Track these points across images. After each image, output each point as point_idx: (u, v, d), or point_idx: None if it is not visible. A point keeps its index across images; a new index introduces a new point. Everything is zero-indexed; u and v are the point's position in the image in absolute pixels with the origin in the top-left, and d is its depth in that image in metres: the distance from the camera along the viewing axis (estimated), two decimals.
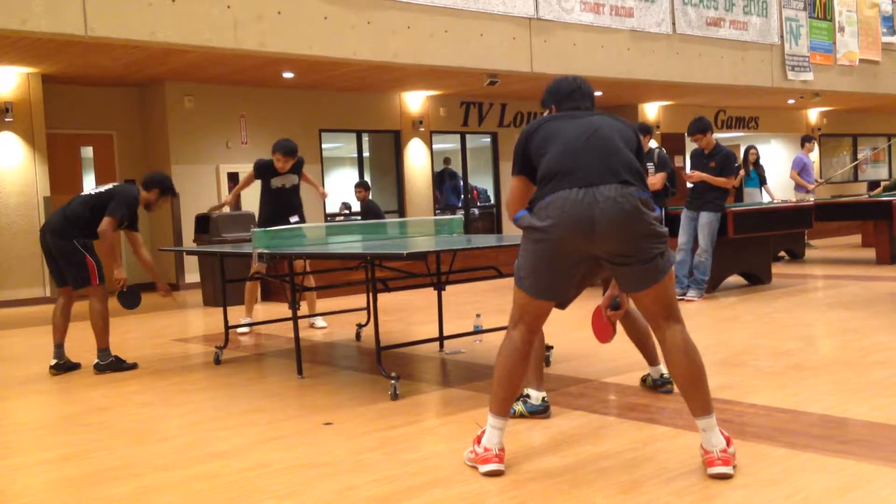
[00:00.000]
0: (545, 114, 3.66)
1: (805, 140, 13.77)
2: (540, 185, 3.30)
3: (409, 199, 14.52)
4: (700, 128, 8.24)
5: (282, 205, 7.56)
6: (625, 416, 4.13)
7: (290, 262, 5.87)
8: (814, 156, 20.75)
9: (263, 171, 7.59)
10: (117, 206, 5.89)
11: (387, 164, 14.81)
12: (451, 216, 8.86)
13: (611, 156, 3.24)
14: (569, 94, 3.60)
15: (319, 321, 7.63)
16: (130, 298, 6.27)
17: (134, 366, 6.12)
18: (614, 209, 3.12)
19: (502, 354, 3.37)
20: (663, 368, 4.39)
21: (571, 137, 3.31)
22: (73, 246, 5.96)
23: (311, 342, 6.87)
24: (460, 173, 15.93)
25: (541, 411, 4.09)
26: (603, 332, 4.29)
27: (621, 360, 5.49)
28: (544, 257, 3.27)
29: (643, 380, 4.65)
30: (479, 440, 3.40)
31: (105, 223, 5.83)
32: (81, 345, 6.68)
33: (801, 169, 13.53)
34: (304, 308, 7.53)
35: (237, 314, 7.64)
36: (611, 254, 3.21)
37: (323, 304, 8.49)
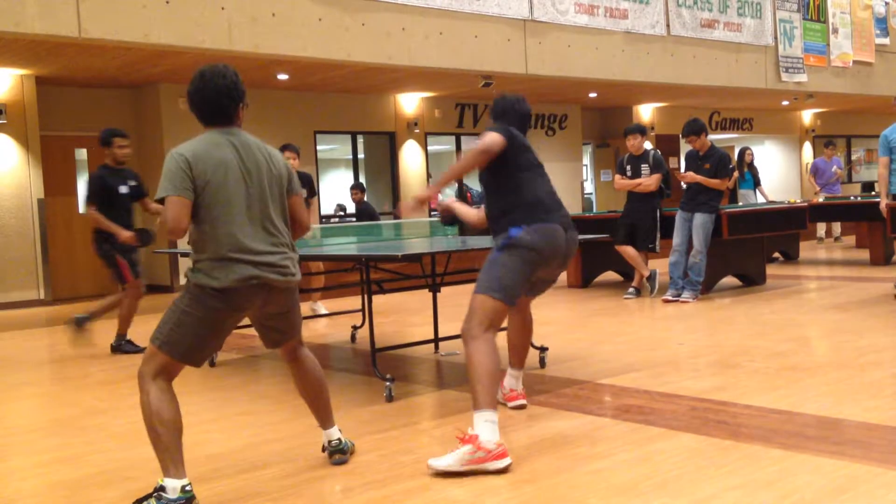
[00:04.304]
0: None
1: (825, 146, 14.82)
2: (521, 203, 3.93)
3: (404, 201, 14.52)
4: (694, 129, 8.25)
5: None
6: (620, 417, 4.14)
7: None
8: (807, 156, 20.82)
9: None
10: (87, 192, 6.80)
11: (382, 165, 14.81)
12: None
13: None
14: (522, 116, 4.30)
15: (321, 307, 7.79)
16: (145, 237, 6.80)
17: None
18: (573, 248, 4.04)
19: (484, 354, 3.57)
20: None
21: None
22: (102, 249, 6.69)
23: (307, 344, 6.85)
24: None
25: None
26: None
27: (616, 361, 5.50)
28: (528, 272, 3.80)
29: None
30: (470, 441, 3.36)
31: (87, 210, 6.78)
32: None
33: (814, 172, 14.57)
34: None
35: None
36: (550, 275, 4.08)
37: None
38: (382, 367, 4.98)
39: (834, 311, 7.31)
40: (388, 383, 4.69)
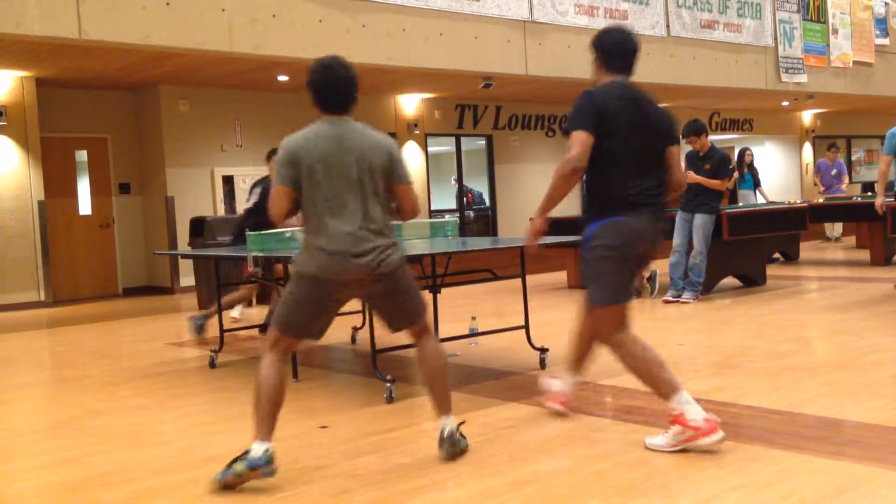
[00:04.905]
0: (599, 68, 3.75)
1: (828, 148, 14.94)
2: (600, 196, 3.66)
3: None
4: (695, 130, 8.26)
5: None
6: (620, 418, 4.14)
7: (284, 265, 5.85)
8: (807, 156, 20.82)
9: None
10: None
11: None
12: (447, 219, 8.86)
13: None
14: (624, 54, 3.74)
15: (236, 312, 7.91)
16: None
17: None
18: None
19: (629, 351, 3.67)
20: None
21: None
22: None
23: (306, 345, 6.85)
24: (454, 176, 15.95)
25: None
26: None
27: (617, 362, 5.49)
28: (620, 268, 3.67)
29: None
30: (677, 420, 3.46)
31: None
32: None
33: (817, 172, 14.95)
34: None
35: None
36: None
37: None
38: (383, 368, 4.98)
39: (834, 311, 7.30)
40: (388, 384, 4.69)
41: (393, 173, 3.52)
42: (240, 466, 3.31)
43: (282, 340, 3.53)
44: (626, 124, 3.55)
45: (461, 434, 3.60)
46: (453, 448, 3.55)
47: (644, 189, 3.60)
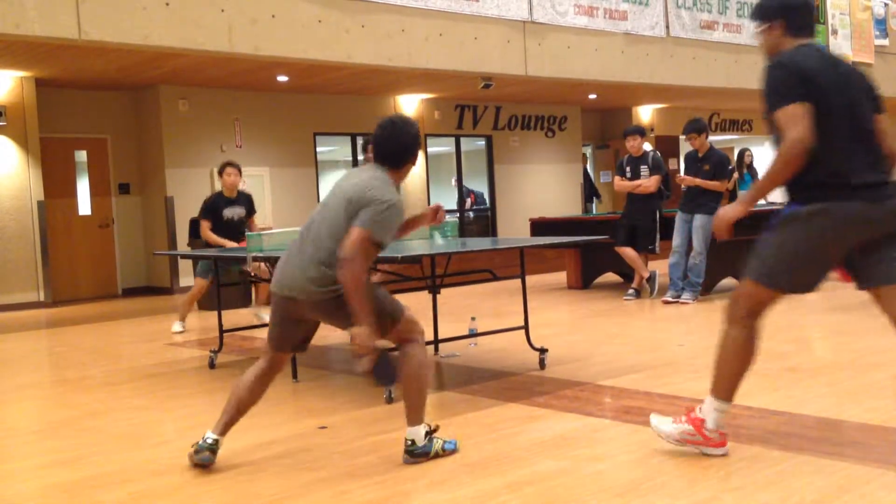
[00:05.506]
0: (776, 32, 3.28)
1: None
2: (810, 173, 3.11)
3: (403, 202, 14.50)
4: (696, 128, 8.28)
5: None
6: (620, 419, 4.14)
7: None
8: None
9: None
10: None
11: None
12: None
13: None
14: (808, 12, 3.31)
15: (178, 326, 7.88)
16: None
17: None
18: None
19: (733, 340, 3.31)
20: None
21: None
22: None
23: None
24: (454, 177, 15.94)
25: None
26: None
27: (616, 363, 5.50)
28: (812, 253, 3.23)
29: None
30: (694, 423, 3.35)
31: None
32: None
33: None
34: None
35: (232, 318, 7.62)
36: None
37: None
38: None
39: (834, 312, 7.30)
40: (387, 385, 4.69)
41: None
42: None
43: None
44: (834, 90, 3.09)
45: (431, 438, 3.55)
46: (409, 456, 3.52)
47: (863, 164, 3.08)
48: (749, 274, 3.35)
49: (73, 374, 6.19)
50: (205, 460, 3.53)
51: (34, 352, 7.69)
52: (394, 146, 3.57)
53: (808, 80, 3.04)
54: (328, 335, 7.41)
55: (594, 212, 14.68)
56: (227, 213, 7.71)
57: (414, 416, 3.54)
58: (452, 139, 15.48)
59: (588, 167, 16.70)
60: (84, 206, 12.09)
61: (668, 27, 13.29)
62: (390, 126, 3.62)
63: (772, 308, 3.35)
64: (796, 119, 3.00)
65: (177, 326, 7.85)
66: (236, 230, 7.64)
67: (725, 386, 3.34)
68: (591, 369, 5.32)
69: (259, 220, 8.54)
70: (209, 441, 3.54)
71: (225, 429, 3.59)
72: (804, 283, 3.29)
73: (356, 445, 3.86)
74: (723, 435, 3.38)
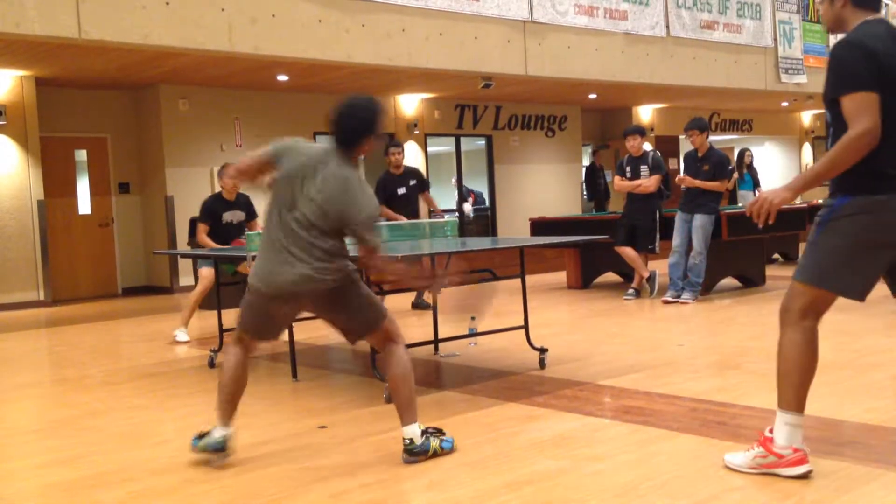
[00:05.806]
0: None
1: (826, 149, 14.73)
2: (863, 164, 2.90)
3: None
4: (697, 125, 8.30)
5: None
6: (619, 418, 4.13)
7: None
8: (807, 157, 20.83)
9: None
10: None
11: (381, 166, 14.78)
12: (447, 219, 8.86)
13: None
14: None
15: (182, 335, 7.33)
16: None
17: None
18: None
19: (794, 345, 3.19)
20: None
21: None
22: None
23: (305, 345, 6.86)
24: (454, 177, 15.93)
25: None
26: None
27: (616, 362, 5.50)
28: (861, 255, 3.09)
29: None
30: (763, 444, 3.10)
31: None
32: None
33: None
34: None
35: (232, 317, 7.61)
36: None
37: None
38: (382, 369, 4.97)
39: (833, 312, 7.24)
40: (387, 384, 4.68)
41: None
42: (202, 444, 3.63)
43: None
44: None
45: (429, 436, 3.57)
46: (409, 455, 3.52)
47: None
48: (795, 274, 3.21)
49: (72, 374, 6.18)
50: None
51: (34, 351, 7.69)
52: (346, 126, 3.61)
53: (879, 66, 2.84)
54: (328, 335, 7.41)
55: (606, 211, 14.61)
56: (226, 217, 7.42)
57: (407, 416, 3.57)
58: (452, 139, 15.48)
59: (601, 168, 16.45)
60: (84, 206, 12.09)
61: (668, 27, 13.29)
62: (345, 106, 3.66)
63: (828, 310, 3.25)
64: (865, 109, 2.81)
65: (181, 336, 7.31)
66: (235, 235, 7.36)
67: (791, 395, 3.08)
68: (590, 369, 5.31)
69: (261, 223, 8.38)
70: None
71: (229, 419, 3.66)
72: (852, 284, 3.15)
73: (356, 445, 3.86)
74: (798, 451, 3.05)
